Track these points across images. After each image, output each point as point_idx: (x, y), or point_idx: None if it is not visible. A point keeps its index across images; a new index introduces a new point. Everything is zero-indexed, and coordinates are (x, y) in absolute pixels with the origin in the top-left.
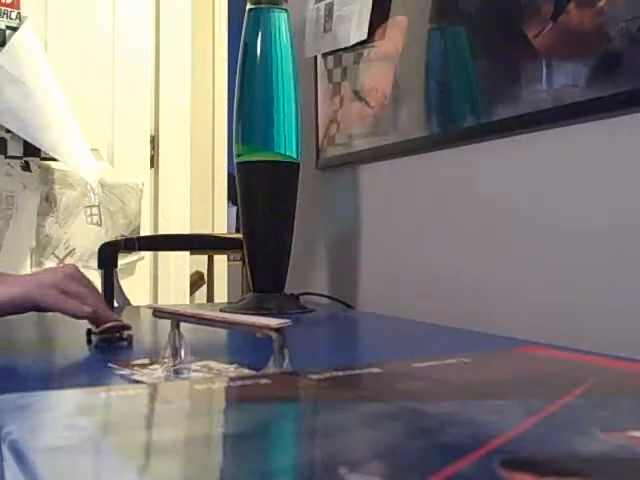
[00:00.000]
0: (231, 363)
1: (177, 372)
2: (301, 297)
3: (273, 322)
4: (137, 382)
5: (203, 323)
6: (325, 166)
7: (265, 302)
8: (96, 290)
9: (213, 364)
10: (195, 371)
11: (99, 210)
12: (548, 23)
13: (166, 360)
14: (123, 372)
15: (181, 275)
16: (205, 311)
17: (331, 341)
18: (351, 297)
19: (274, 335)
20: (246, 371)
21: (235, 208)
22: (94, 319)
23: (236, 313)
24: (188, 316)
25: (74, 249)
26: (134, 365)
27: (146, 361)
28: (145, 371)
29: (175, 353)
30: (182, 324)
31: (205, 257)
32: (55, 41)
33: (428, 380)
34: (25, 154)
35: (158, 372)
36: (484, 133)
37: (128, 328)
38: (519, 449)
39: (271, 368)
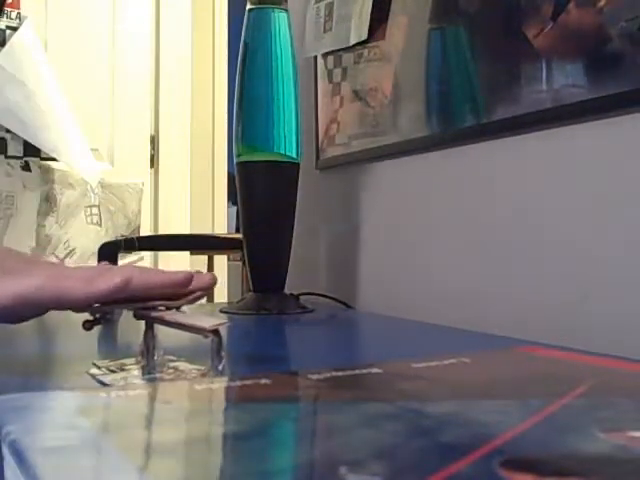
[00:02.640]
0: (202, 365)
1: (149, 373)
2: (301, 297)
3: (209, 323)
4: (102, 384)
5: (154, 322)
6: (325, 166)
7: (265, 302)
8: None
9: (183, 365)
10: (163, 372)
11: (99, 210)
12: (548, 23)
13: (140, 360)
14: (94, 371)
15: None
16: (157, 311)
17: (331, 341)
18: (351, 297)
19: (210, 336)
20: (210, 372)
21: (235, 208)
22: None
23: (181, 313)
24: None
25: (74, 249)
26: (110, 365)
27: (127, 361)
28: (119, 373)
29: (148, 353)
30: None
31: (205, 257)
32: (55, 41)
33: (428, 380)
34: (25, 154)
35: (131, 373)
36: (484, 133)
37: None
38: (519, 449)
39: (209, 371)
